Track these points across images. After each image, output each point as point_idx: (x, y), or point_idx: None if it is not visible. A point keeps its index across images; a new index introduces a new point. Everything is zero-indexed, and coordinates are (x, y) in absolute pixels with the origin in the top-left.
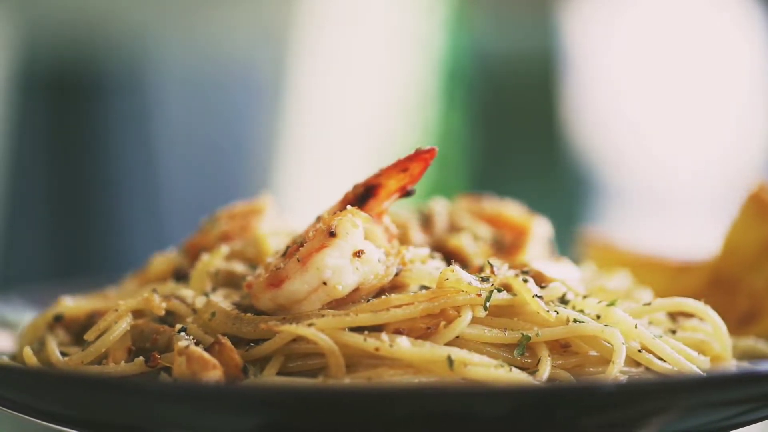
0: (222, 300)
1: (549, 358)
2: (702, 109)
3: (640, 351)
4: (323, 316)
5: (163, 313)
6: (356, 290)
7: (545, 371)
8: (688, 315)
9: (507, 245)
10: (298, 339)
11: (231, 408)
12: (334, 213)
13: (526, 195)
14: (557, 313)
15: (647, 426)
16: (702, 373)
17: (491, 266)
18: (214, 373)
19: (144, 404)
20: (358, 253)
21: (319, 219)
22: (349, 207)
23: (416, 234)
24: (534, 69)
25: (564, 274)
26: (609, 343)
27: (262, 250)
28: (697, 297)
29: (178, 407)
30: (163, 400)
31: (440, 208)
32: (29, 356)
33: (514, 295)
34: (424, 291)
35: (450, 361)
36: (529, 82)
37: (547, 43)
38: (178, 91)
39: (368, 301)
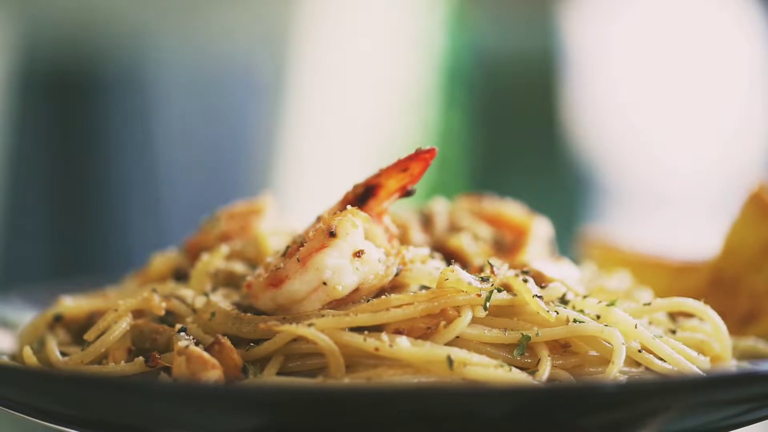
0: (222, 300)
1: (549, 358)
2: (702, 109)
3: (640, 351)
4: (323, 316)
5: (162, 313)
6: (356, 290)
7: (545, 371)
8: (688, 315)
9: (507, 245)
10: (297, 339)
11: (230, 408)
12: (334, 213)
13: (527, 195)
14: (557, 313)
15: (647, 426)
16: (702, 373)
17: (491, 266)
18: (214, 373)
19: (144, 404)
20: (358, 253)
21: (319, 219)
22: (349, 207)
23: (416, 234)
24: (534, 68)
25: (564, 274)
26: (609, 343)
27: (262, 250)
28: (697, 297)
29: (177, 407)
30: (162, 400)
31: (440, 208)
32: (29, 356)
33: (514, 295)
34: (424, 291)
35: (450, 361)
36: (529, 81)
37: (547, 43)
38: (178, 91)
39: (368, 301)
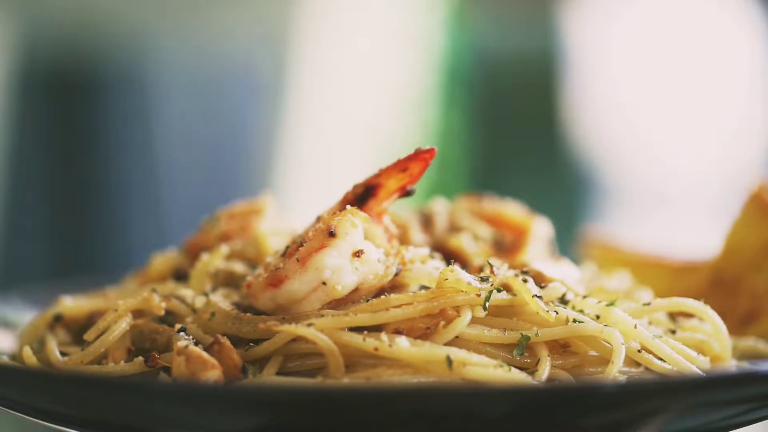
0: (221, 300)
1: (548, 358)
2: (702, 109)
3: (639, 351)
4: (322, 316)
5: (162, 313)
6: (356, 290)
7: (544, 371)
8: (688, 315)
9: (507, 245)
10: (297, 339)
11: (230, 408)
12: (334, 213)
13: (527, 195)
14: (557, 313)
15: (647, 426)
16: (701, 373)
17: (491, 266)
18: (213, 373)
19: (143, 404)
20: (357, 253)
21: (318, 219)
22: (348, 207)
23: (416, 234)
24: (534, 68)
25: (564, 274)
26: (608, 343)
27: (262, 250)
28: (698, 297)
29: (177, 407)
30: (162, 399)
31: (440, 208)
32: (29, 356)
33: (514, 295)
34: (423, 291)
35: (449, 361)
36: (529, 81)
37: (547, 43)
38: (178, 91)
39: (368, 301)
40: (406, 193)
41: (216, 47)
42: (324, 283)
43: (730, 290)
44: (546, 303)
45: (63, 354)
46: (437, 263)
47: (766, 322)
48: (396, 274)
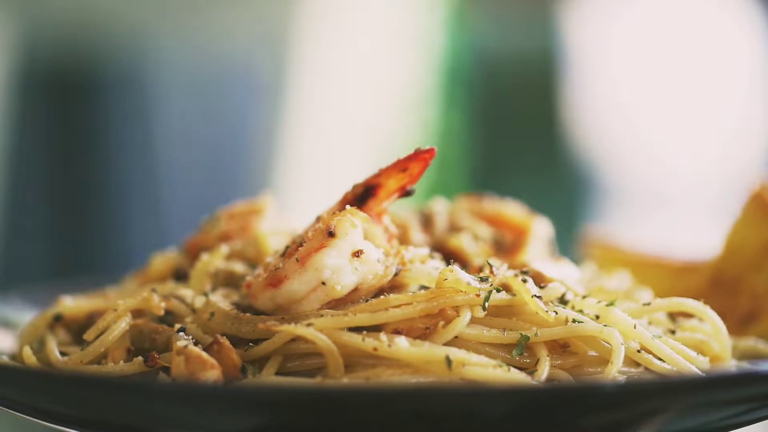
0: (221, 300)
1: (548, 358)
2: (703, 108)
3: (639, 351)
4: (322, 316)
5: (162, 312)
6: (355, 290)
7: (544, 371)
8: (688, 315)
9: (507, 245)
10: (296, 339)
11: (229, 408)
12: (334, 213)
13: (527, 195)
14: (556, 313)
15: (646, 426)
16: (701, 373)
17: (490, 266)
18: (213, 373)
19: (142, 404)
20: (357, 253)
21: (318, 219)
22: (348, 207)
23: (416, 234)
24: (534, 68)
25: (563, 274)
26: (608, 343)
27: (262, 250)
28: (698, 297)
29: (177, 407)
30: (161, 399)
31: (440, 208)
32: (28, 356)
33: (513, 295)
34: (423, 291)
35: (448, 361)
36: (529, 81)
37: (547, 43)
38: (178, 91)
39: (367, 301)
40: (406, 193)
41: (216, 47)
42: (323, 283)
43: (731, 290)
44: (545, 303)
45: (63, 354)
46: (437, 263)
47: (766, 322)
48: (395, 274)
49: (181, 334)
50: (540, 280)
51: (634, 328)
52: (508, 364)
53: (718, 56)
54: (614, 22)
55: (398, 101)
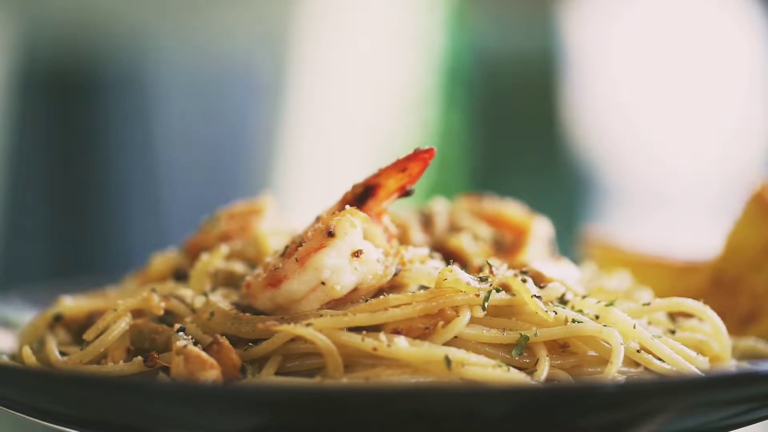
0: (221, 300)
1: (547, 358)
2: (703, 108)
3: (638, 351)
4: (321, 316)
5: (161, 312)
6: (355, 290)
7: (543, 371)
8: (688, 315)
9: (507, 245)
10: (296, 339)
11: (229, 408)
12: (333, 213)
13: (527, 195)
14: (556, 313)
15: (646, 426)
16: (700, 373)
17: (490, 266)
18: (212, 373)
19: (142, 404)
20: (356, 253)
21: (318, 219)
22: (347, 207)
23: (416, 234)
24: (534, 68)
25: (563, 274)
26: (607, 344)
27: (262, 250)
28: (698, 297)
29: (176, 407)
30: (161, 399)
31: (440, 208)
32: (28, 356)
33: (513, 295)
34: (422, 291)
35: (448, 361)
36: (529, 81)
37: (547, 43)
38: (178, 91)
39: (366, 301)
40: (405, 193)
41: (216, 47)
42: (323, 283)
43: (731, 290)
44: (545, 303)
45: (63, 354)
46: (437, 263)
47: (766, 322)
48: (395, 274)
49: (181, 334)
50: (540, 280)
51: (634, 328)
52: (508, 364)
53: (717, 56)
54: (614, 22)
55: (398, 101)
